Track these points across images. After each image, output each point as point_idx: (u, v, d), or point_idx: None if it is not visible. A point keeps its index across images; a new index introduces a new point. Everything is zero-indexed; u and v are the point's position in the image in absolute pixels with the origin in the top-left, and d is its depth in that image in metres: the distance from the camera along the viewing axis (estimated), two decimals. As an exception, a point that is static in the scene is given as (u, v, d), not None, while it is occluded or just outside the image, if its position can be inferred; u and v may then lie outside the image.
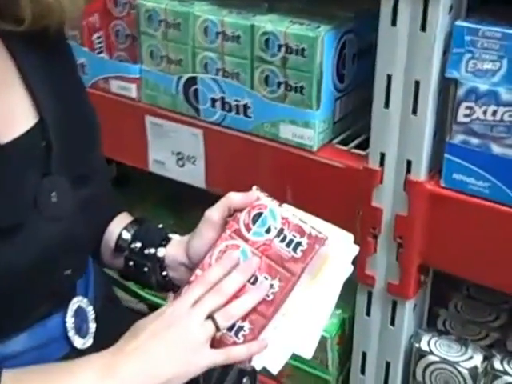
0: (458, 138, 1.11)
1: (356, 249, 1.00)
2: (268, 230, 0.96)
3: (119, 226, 1.13)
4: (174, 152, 1.44)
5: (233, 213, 1.00)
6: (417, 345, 1.29)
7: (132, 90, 1.47)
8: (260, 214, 0.97)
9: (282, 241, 0.95)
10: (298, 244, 0.94)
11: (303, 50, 1.20)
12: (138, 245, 1.09)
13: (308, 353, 0.97)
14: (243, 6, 1.32)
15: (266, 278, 0.95)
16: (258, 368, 0.96)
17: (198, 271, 0.97)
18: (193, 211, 1.77)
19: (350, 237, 0.99)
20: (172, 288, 1.11)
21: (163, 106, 1.43)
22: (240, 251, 0.96)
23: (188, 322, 0.91)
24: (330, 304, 0.98)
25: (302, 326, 0.96)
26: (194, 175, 1.43)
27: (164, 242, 1.10)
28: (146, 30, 1.39)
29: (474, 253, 1.14)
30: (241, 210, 0.99)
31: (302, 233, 0.95)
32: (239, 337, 0.93)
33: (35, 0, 0.90)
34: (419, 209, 1.16)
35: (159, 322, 0.92)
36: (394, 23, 1.09)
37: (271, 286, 0.94)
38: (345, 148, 1.27)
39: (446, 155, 1.13)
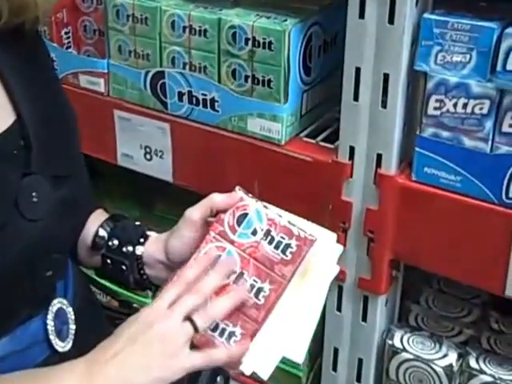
0: (429, 132, 1.06)
1: (340, 248, 0.96)
2: (254, 232, 0.92)
3: (95, 223, 1.08)
4: (142, 146, 1.39)
5: (215, 213, 0.95)
6: (390, 341, 1.25)
7: (100, 85, 1.42)
8: (245, 215, 0.93)
9: (270, 243, 0.90)
10: (287, 246, 0.90)
11: (270, 43, 1.16)
12: (116, 242, 1.05)
13: (299, 356, 0.92)
14: (210, 0, 1.27)
15: (256, 282, 0.90)
16: (248, 373, 0.91)
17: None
18: (159, 204, 1.74)
19: (334, 236, 0.95)
20: (149, 286, 1.08)
21: (131, 100, 1.38)
22: (226, 253, 0.91)
23: (165, 324, 0.86)
24: (319, 305, 0.93)
25: (293, 329, 0.91)
26: (162, 169, 1.38)
27: (142, 239, 1.05)
28: (114, 25, 1.34)
29: (446, 247, 1.11)
30: (224, 211, 0.94)
31: (290, 234, 0.90)
32: (231, 343, 0.89)
33: None
34: (390, 203, 1.12)
35: (136, 326, 0.87)
36: (361, 16, 1.05)
37: (261, 289, 0.90)
38: (313, 141, 1.22)
39: (416, 148, 1.08)
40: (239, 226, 0.92)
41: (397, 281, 1.25)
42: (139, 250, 1.04)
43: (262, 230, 0.91)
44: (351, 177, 1.14)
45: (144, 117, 1.36)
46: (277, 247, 0.90)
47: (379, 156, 1.11)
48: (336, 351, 1.30)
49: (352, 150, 1.13)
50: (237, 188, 0.95)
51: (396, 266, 1.20)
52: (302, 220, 0.94)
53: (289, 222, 0.91)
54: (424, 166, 1.08)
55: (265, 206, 0.93)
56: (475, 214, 1.06)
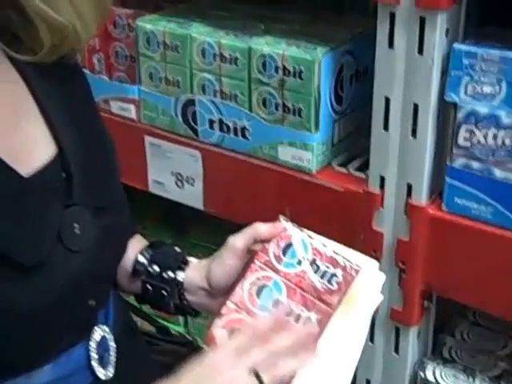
0: (459, 162, 1.12)
1: (383, 276, 1.00)
2: (300, 262, 0.97)
3: (135, 250, 1.13)
4: (173, 173, 1.46)
5: (258, 242, 1.01)
6: (422, 374, 1.29)
7: (131, 111, 1.49)
8: (290, 245, 0.98)
9: (316, 272, 0.95)
10: (333, 275, 0.95)
11: (300, 72, 1.22)
12: (156, 268, 1.10)
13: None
14: (240, 28, 1.34)
15: (303, 311, 0.95)
16: None
17: (229, 304, 0.97)
18: (192, 230, 1.81)
19: (377, 264, 1.00)
20: (189, 312, 1.13)
21: (162, 126, 1.45)
22: (272, 283, 0.96)
23: (232, 373, 0.89)
24: (364, 333, 0.98)
25: (340, 356, 0.95)
26: (193, 196, 1.45)
27: (182, 265, 1.11)
28: (145, 52, 1.41)
29: (477, 278, 1.15)
30: (267, 241, 0.99)
31: (335, 264, 0.95)
32: None
33: (53, 29, 0.92)
34: (421, 233, 1.17)
35: (202, 370, 0.90)
36: (390, 45, 1.11)
37: (308, 318, 0.94)
38: (344, 170, 1.28)
39: (447, 179, 1.14)
40: (284, 255, 0.97)
41: (429, 312, 1.30)
42: (180, 275, 1.09)
43: (308, 259, 0.96)
44: (382, 207, 1.20)
45: (175, 144, 1.43)
46: (322, 277, 0.95)
47: (409, 186, 1.16)
48: (368, 383, 1.35)
49: (382, 179, 1.19)
50: (281, 217, 1.00)
51: (428, 297, 1.25)
52: (345, 248, 0.99)
53: (334, 252, 0.96)
54: (455, 196, 1.13)
55: (309, 236, 0.98)
56: (507, 245, 1.11)
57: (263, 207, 1.27)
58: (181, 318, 1.79)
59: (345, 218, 1.22)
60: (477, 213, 1.12)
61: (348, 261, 0.96)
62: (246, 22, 1.37)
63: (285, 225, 0.99)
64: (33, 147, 0.92)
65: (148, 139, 1.47)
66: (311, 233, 0.99)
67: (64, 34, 0.93)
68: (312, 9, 1.48)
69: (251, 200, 1.36)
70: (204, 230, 1.66)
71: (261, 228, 1.01)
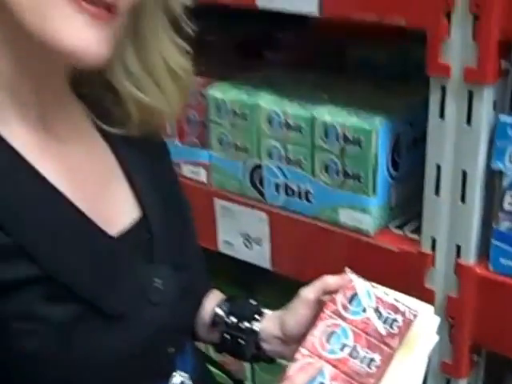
0: (505, 225, 1.26)
1: (438, 319, 1.14)
2: (364, 309, 1.10)
3: (212, 303, 1.28)
4: (241, 234, 1.63)
5: (327, 293, 1.15)
6: (472, 423, 1.42)
7: (201, 174, 1.67)
8: (355, 295, 1.12)
9: (379, 318, 1.10)
10: (394, 320, 1.09)
11: (360, 140, 1.38)
12: (234, 320, 1.25)
13: None
14: (305, 97, 1.50)
15: (368, 353, 1.08)
16: None
17: (302, 350, 1.09)
18: (260, 288, 1.95)
19: (431, 308, 1.14)
20: (265, 359, 1.27)
21: (231, 189, 1.62)
22: (340, 329, 1.10)
23: None
24: (421, 372, 1.10)
25: None
26: (260, 256, 1.61)
27: (258, 316, 1.25)
28: (215, 119, 1.59)
29: (525, 336, 1.29)
30: (335, 291, 1.13)
31: (396, 310, 1.10)
32: None
33: (141, 108, 1.10)
34: (469, 291, 1.31)
35: None
36: (442, 116, 1.27)
37: (373, 360, 1.07)
38: (400, 232, 1.44)
39: (493, 241, 1.28)
40: (351, 304, 1.11)
41: (479, 366, 1.42)
42: (256, 326, 1.24)
43: (371, 307, 1.10)
44: (433, 266, 1.34)
45: (243, 206, 1.60)
46: (385, 322, 1.09)
47: (459, 247, 1.31)
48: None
49: (434, 241, 1.33)
50: (347, 270, 1.15)
51: (477, 351, 1.37)
52: (403, 295, 1.13)
53: (394, 299, 1.11)
54: (500, 257, 1.27)
55: (372, 286, 1.13)
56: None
57: (326, 266, 1.41)
58: (248, 372, 1.93)
59: (399, 276, 1.36)
60: (521, 273, 1.26)
61: (407, 307, 1.10)
62: (310, 91, 1.54)
63: (351, 277, 1.14)
64: (120, 210, 1.09)
65: (218, 202, 1.64)
66: (374, 283, 1.14)
67: (151, 112, 1.12)
68: (375, 75, 1.66)
69: (315, 259, 1.51)
70: (272, 287, 1.80)
71: (329, 280, 1.15)
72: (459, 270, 1.32)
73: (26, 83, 0.98)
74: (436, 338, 1.13)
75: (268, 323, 1.23)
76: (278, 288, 1.66)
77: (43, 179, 0.97)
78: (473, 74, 1.21)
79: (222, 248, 1.68)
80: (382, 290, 1.13)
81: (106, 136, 1.12)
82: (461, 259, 1.32)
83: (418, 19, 1.22)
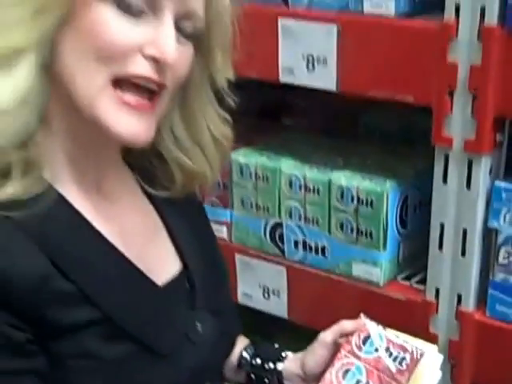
0: (500, 277, 1.49)
1: (441, 357, 1.31)
2: (376, 349, 1.28)
3: (239, 347, 1.44)
4: (260, 285, 1.85)
5: (343, 336, 1.33)
6: None
7: (223, 232, 1.89)
8: (368, 337, 1.30)
9: (390, 357, 1.27)
10: (403, 359, 1.27)
11: (372, 201, 1.62)
12: (259, 361, 1.43)
13: None
14: (323, 162, 1.75)
15: None
16: None
17: None
18: (278, 336, 2.13)
19: (435, 348, 1.32)
20: None
21: (251, 245, 1.84)
22: (355, 367, 1.27)
23: None
24: None
25: None
26: (278, 307, 1.83)
27: (281, 357, 1.41)
28: (239, 181, 1.82)
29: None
30: (351, 334, 1.31)
31: (404, 350, 1.28)
32: None
33: (185, 172, 1.28)
34: (469, 335, 1.53)
35: None
36: (445, 181, 1.50)
37: None
38: (407, 283, 1.67)
39: (490, 290, 1.51)
40: (364, 345, 1.29)
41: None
42: (280, 366, 1.41)
43: (383, 347, 1.28)
44: (437, 313, 1.57)
45: (263, 261, 1.82)
46: (395, 360, 1.27)
47: (459, 296, 1.54)
48: None
49: (437, 290, 1.56)
50: (361, 315, 1.33)
51: None
52: (411, 337, 1.31)
53: (403, 341, 1.29)
54: (496, 304, 1.50)
55: (384, 329, 1.31)
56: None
57: (339, 315, 1.60)
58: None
59: (407, 323, 1.54)
60: (514, 318, 1.49)
61: (414, 347, 1.29)
62: (327, 156, 1.79)
63: (365, 321, 1.32)
64: (164, 263, 1.26)
65: (238, 257, 1.86)
66: (385, 327, 1.33)
67: (193, 176, 1.31)
68: (385, 141, 1.91)
69: (329, 309, 1.72)
70: (290, 335, 1.96)
71: (346, 325, 1.33)
72: (460, 316, 1.55)
73: (83, 153, 1.15)
74: (439, 374, 1.32)
75: (290, 363, 1.41)
76: (296, 336, 1.86)
77: (100, 235, 1.14)
78: (472, 145, 1.45)
79: (241, 299, 1.89)
80: (392, 333, 1.32)
81: (150, 197, 1.32)
82: (461, 306, 1.54)
83: (425, 97, 1.47)
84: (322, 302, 1.76)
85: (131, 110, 1.07)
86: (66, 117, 1.11)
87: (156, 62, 1.06)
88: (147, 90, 1.08)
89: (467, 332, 1.54)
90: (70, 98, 1.08)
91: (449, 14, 1.41)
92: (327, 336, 1.34)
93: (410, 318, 1.58)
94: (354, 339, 1.29)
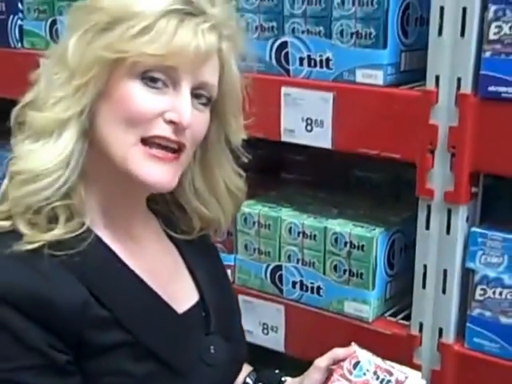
0: (477, 312, 1.66)
1: (424, 382, 1.46)
2: (365, 373, 1.42)
3: (243, 374, 1.58)
4: (260, 323, 2.00)
5: (336, 362, 1.46)
6: None
7: (228, 274, 2.04)
8: (358, 362, 1.43)
9: (377, 379, 1.42)
10: (388, 381, 1.41)
11: (363, 246, 1.79)
12: None
13: None
14: (318, 212, 1.92)
15: None
16: None
17: None
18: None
19: (419, 374, 1.47)
20: None
21: (253, 286, 2.00)
22: None
23: None
24: None
25: None
26: (276, 341, 1.98)
27: (281, 382, 1.57)
28: (242, 229, 1.99)
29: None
30: (343, 360, 1.43)
31: (390, 374, 1.42)
32: None
33: (202, 219, 1.47)
34: (449, 365, 1.70)
35: None
36: (427, 228, 1.67)
37: None
38: (393, 319, 1.83)
39: (468, 324, 1.67)
40: (354, 369, 1.42)
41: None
42: None
43: (371, 371, 1.42)
44: (420, 345, 1.73)
45: (263, 300, 1.98)
46: (381, 382, 1.41)
47: (441, 329, 1.70)
48: None
49: (421, 325, 1.72)
50: (353, 343, 1.47)
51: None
52: (397, 364, 1.46)
53: (390, 366, 1.43)
54: (473, 337, 1.66)
55: (373, 355, 1.45)
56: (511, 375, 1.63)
57: (332, 348, 1.76)
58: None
59: (393, 355, 1.63)
60: (489, 349, 1.65)
61: (399, 371, 1.43)
62: (322, 206, 1.96)
63: (355, 348, 1.47)
64: (183, 294, 1.43)
65: (241, 297, 1.99)
66: (374, 355, 1.47)
67: (210, 223, 1.49)
68: (374, 192, 2.10)
69: (323, 343, 1.83)
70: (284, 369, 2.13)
71: (339, 352, 1.47)
72: (441, 347, 1.71)
73: (117, 202, 1.35)
74: None
75: None
76: (290, 368, 2.00)
77: (130, 270, 1.33)
78: (451, 196, 1.63)
79: (243, 336, 2.05)
80: (379, 359, 1.46)
81: (172, 238, 1.49)
82: (442, 339, 1.71)
83: (410, 154, 1.65)
84: (317, 336, 1.90)
85: (158, 161, 1.26)
86: (101, 172, 1.30)
87: (175, 124, 1.25)
88: (171, 149, 1.27)
89: (448, 362, 1.70)
90: (105, 156, 1.27)
91: (430, 83, 1.60)
92: (322, 362, 1.47)
93: (396, 351, 1.73)
94: (346, 364, 1.43)
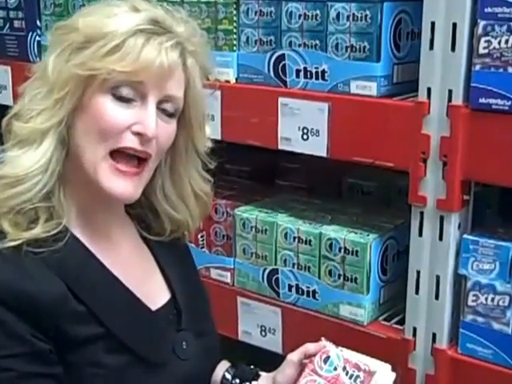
0: (469, 317, 1.56)
1: (394, 375, 1.39)
2: (335, 368, 1.37)
3: (222, 369, 1.57)
4: (258, 325, 1.91)
5: (308, 356, 1.41)
6: None
7: (227, 277, 1.97)
8: (328, 357, 1.38)
9: (346, 374, 1.36)
10: (357, 377, 1.35)
11: (357, 251, 1.70)
12: (237, 381, 1.55)
13: None
14: (313, 218, 1.83)
15: None
16: None
17: None
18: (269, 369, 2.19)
19: (389, 366, 1.40)
20: None
21: (251, 289, 1.91)
22: (317, 383, 1.37)
23: None
24: None
25: None
26: (274, 343, 1.89)
27: (256, 377, 1.54)
28: (241, 233, 1.90)
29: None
30: (314, 355, 1.40)
31: (359, 369, 1.36)
32: None
33: (172, 221, 1.47)
34: (443, 370, 1.60)
35: None
36: (420, 234, 1.58)
37: None
38: (387, 323, 1.74)
39: (461, 330, 1.58)
40: (325, 364, 1.37)
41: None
42: None
43: (341, 366, 1.37)
44: (414, 350, 1.64)
45: (261, 302, 1.89)
46: (350, 377, 1.35)
47: (434, 334, 1.61)
48: None
49: (415, 329, 1.63)
50: (322, 338, 1.42)
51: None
52: (366, 357, 1.39)
53: (358, 360, 1.36)
54: (466, 342, 1.57)
55: (341, 350, 1.39)
56: (504, 380, 1.53)
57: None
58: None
59: (387, 358, 1.58)
60: (482, 354, 1.55)
61: (367, 365, 1.36)
62: (317, 212, 1.87)
63: (325, 343, 1.41)
64: (156, 292, 1.43)
65: (240, 299, 1.93)
66: (342, 348, 1.40)
67: (179, 225, 1.49)
68: (366, 199, 2.02)
69: None
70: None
71: (309, 347, 1.43)
72: (435, 352, 1.61)
73: (94, 205, 1.36)
74: None
75: (263, 381, 1.50)
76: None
77: (105, 268, 1.34)
78: (443, 204, 1.54)
79: (241, 337, 1.96)
80: (348, 353, 1.39)
81: (145, 240, 1.49)
82: (436, 344, 1.61)
83: (403, 163, 1.57)
84: (313, 339, 1.81)
85: (123, 175, 1.29)
86: (78, 178, 1.33)
87: (141, 136, 1.28)
88: (136, 158, 1.31)
89: (442, 367, 1.61)
90: (80, 164, 1.30)
91: (422, 94, 1.53)
92: (294, 356, 1.44)
93: (391, 354, 1.61)
94: (317, 359, 1.38)
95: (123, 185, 1.29)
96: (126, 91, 1.27)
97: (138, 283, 1.38)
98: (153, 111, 1.29)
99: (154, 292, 1.42)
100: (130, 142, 1.28)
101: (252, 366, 1.59)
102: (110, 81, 1.26)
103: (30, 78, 1.35)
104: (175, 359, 1.38)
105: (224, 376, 1.57)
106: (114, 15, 1.29)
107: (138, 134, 1.28)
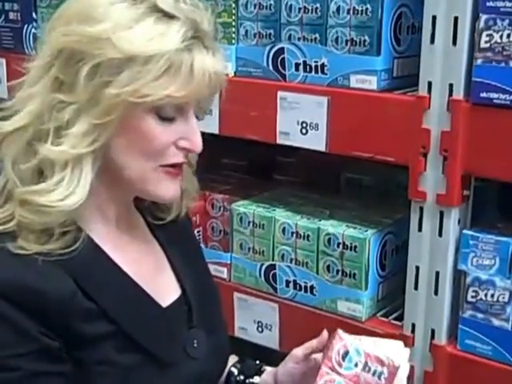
0: (468, 313, 1.55)
1: (408, 350, 1.37)
2: (356, 364, 1.30)
3: (229, 364, 1.56)
4: (255, 321, 1.90)
5: (320, 349, 1.38)
6: None
7: (224, 273, 1.96)
8: (347, 352, 1.30)
9: (368, 372, 1.29)
10: (381, 373, 1.29)
11: (355, 247, 1.69)
12: (242, 377, 1.54)
13: None
14: (311, 213, 1.82)
15: None
16: None
17: None
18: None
19: (401, 343, 1.37)
20: None
21: (248, 285, 1.90)
22: (336, 383, 1.29)
23: None
24: None
25: None
26: (271, 339, 1.88)
27: (259, 372, 1.54)
28: (238, 228, 1.89)
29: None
30: (326, 348, 1.33)
31: (382, 364, 1.29)
32: None
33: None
34: (441, 366, 1.59)
35: None
36: (420, 229, 1.58)
37: None
38: (385, 319, 1.73)
39: (460, 326, 1.57)
40: (344, 361, 1.30)
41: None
42: (256, 379, 1.52)
43: (361, 362, 1.29)
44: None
45: (258, 298, 1.88)
46: (374, 374, 1.29)
47: (433, 331, 1.60)
48: None
49: (413, 326, 1.62)
50: (339, 330, 1.34)
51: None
52: (384, 340, 1.37)
53: (381, 352, 1.28)
54: (465, 339, 1.56)
55: (360, 339, 1.32)
56: (503, 377, 1.53)
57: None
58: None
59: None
60: (481, 350, 1.55)
61: (390, 359, 1.29)
62: (315, 207, 1.87)
63: (342, 336, 1.33)
64: (167, 288, 1.39)
65: (236, 295, 1.92)
66: (360, 337, 1.35)
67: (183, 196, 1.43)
68: (364, 194, 2.01)
69: None
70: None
71: (313, 341, 1.42)
72: (433, 349, 1.61)
73: (111, 203, 1.33)
74: (408, 366, 1.35)
75: (266, 376, 1.51)
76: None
77: (116, 265, 1.30)
78: (443, 199, 1.54)
79: (238, 333, 1.94)
80: (367, 342, 1.31)
81: (153, 232, 1.45)
82: (435, 340, 1.60)
83: (403, 158, 1.56)
84: (310, 335, 1.80)
85: (172, 178, 1.29)
86: (108, 189, 1.31)
87: (187, 150, 1.28)
88: (179, 166, 1.31)
89: (440, 363, 1.60)
90: (117, 178, 1.28)
91: (422, 89, 1.52)
92: (298, 351, 1.44)
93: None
94: (334, 355, 1.30)
95: (173, 187, 1.30)
96: (170, 111, 1.24)
97: (149, 279, 1.35)
98: (196, 125, 1.28)
99: (164, 288, 1.39)
100: (175, 157, 1.27)
101: (258, 362, 1.57)
102: (156, 102, 1.21)
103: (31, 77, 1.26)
104: (186, 359, 1.36)
105: (230, 370, 1.56)
106: (150, 28, 1.19)
107: (184, 149, 1.28)
